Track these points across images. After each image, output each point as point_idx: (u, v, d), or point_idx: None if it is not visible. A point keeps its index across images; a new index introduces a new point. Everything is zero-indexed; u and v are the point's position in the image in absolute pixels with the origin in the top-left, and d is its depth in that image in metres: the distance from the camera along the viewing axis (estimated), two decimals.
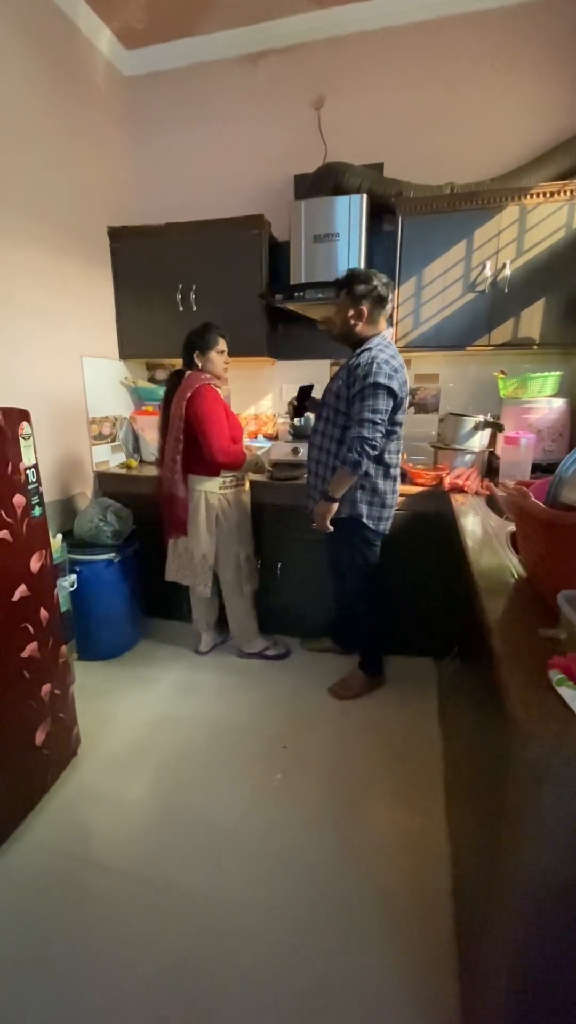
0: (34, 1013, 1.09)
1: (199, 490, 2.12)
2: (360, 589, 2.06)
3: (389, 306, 1.86)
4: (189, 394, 2.01)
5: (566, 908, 0.72)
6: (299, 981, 1.14)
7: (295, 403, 2.20)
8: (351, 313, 1.82)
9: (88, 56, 2.43)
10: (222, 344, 2.10)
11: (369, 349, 1.78)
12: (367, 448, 1.72)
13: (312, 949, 1.21)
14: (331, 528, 1.88)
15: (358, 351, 1.82)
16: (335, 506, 1.85)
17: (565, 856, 0.69)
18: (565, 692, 0.72)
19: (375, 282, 1.78)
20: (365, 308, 1.80)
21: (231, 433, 2.11)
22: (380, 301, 1.80)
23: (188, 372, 2.10)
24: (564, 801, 0.67)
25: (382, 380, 1.70)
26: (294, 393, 2.77)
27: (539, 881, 0.71)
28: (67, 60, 2.29)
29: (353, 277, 1.80)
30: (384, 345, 1.81)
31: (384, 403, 1.73)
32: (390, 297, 1.83)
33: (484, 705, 1.03)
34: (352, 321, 1.82)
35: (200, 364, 2.09)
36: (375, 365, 1.71)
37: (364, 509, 1.88)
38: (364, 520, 1.88)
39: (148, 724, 1.99)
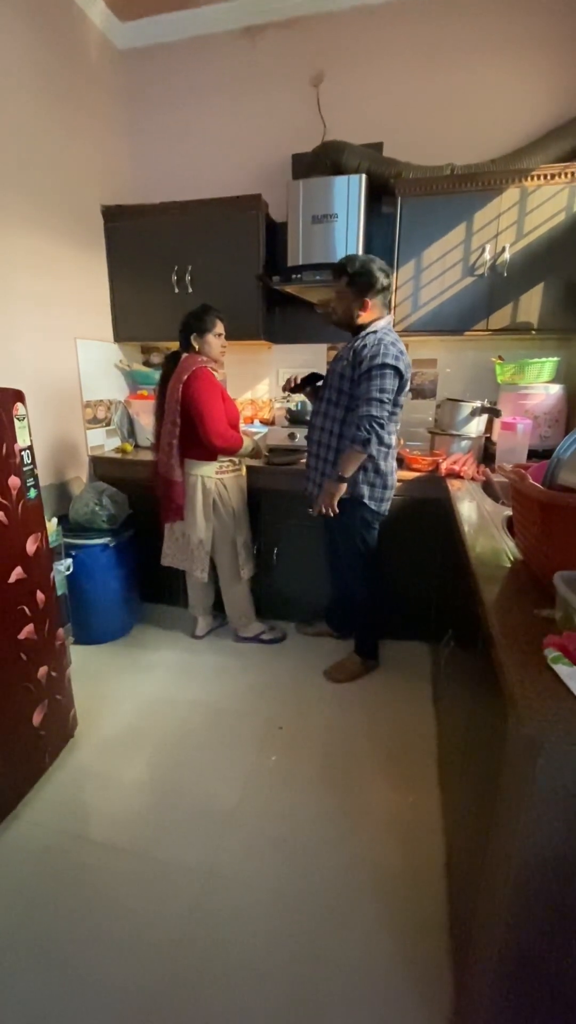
0: (33, 989, 1.11)
1: (196, 474, 2.11)
2: (358, 573, 2.07)
3: (390, 292, 1.86)
4: (185, 377, 1.98)
5: (558, 879, 0.73)
6: (294, 956, 1.17)
7: (297, 381, 2.15)
8: (355, 303, 1.83)
9: (81, 28, 2.36)
10: (220, 327, 2.07)
11: (375, 332, 1.80)
12: (375, 426, 1.74)
13: (307, 925, 1.23)
14: (337, 510, 1.87)
15: (363, 334, 1.82)
16: (344, 486, 1.84)
17: (558, 828, 0.71)
18: (561, 669, 0.73)
19: (377, 273, 1.78)
20: (368, 299, 1.81)
21: (228, 417, 2.09)
22: (382, 290, 1.82)
23: (185, 355, 2.07)
24: (558, 775, 0.68)
25: (390, 360, 1.72)
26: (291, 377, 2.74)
27: (532, 853, 0.73)
28: (59, 32, 2.22)
29: (353, 268, 1.79)
30: (388, 330, 1.83)
31: (391, 383, 1.75)
32: (390, 283, 1.83)
33: (480, 685, 1.05)
34: (355, 311, 1.84)
35: (197, 347, 2.06)
36: (382, 346, 1.73)
37: (366, 490, 1.89)
38: (366, 501, 1.89)
39: (144, 706, 2.00)
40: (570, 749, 0.67)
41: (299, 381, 2.14)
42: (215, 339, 2.07)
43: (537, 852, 0.73)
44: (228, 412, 2.10)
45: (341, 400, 1.86)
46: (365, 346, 1.76)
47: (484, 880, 0.86)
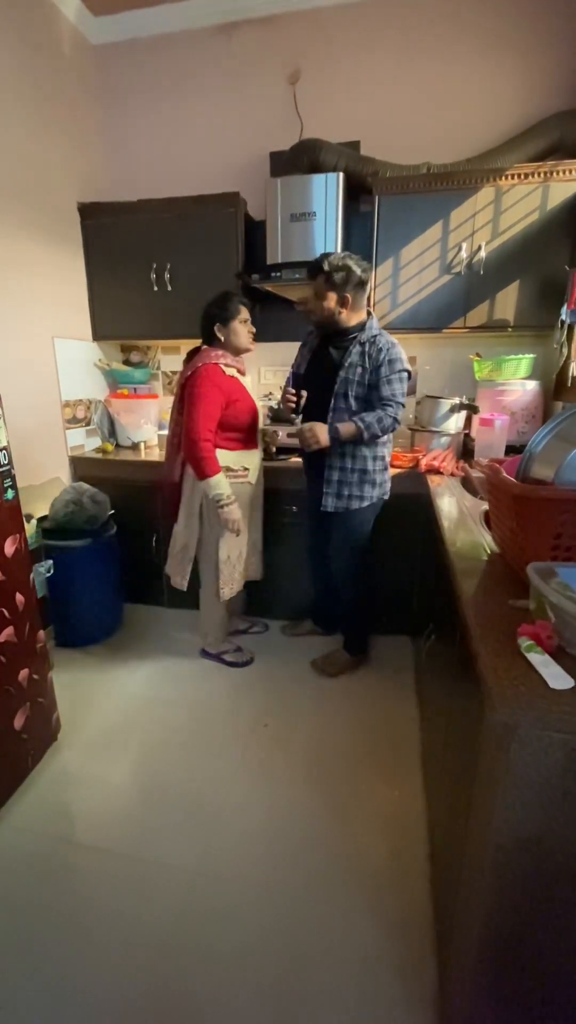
0: (22, 994, 1.10)
1: (190, 475, 1.99)
2: (352, 570, 2.07)
3: (368, 287, 1.85)
4: (190, 373, 1.89)
5: (533, 860, 0.75)
6: (283, 952, 1.18)
7: (292, 396, 1.95)
8: (335, 301, 1.79)
9: (53, 22, 2.33)
10: (245, 313, 1.93)
11: (380, 335, 1.83)
12: (392, 428, 1.83)
13: (295, 920, 1.24)
14: (324, 442, 1.79)
15: (366, 338, 1.82)
16: (330, 443, 1.80)
17: (532, 811, 0.73)
18: (533, 657, 0.75)
19: (355, 268, 1.75)
20: (349, 295, 1.78)
21: (238, 420, 1.94)
22: (361, 285, 1.79)
23: (203, 348, 1.96)
24: (531, 759, 0.70)
25: (406, 366, 1.81)
26: (273, 377, 2.75)
27: (508, 836, 0.75)
28: (30, 25, 2.18)
29: (330, 264, 1.75)
30: (385, 332, 1.87)
31: (406, 387, 1.84)
32: (369, 278, 1.82)
33: (458, 675, 1.07)
34: (337, 309, 1.81)
35: (222, 337, 1.92)
36: (397, 351, 1.80)
37: (374, 496, 1.95)
38: (364, 505, 1.94)
39: (129, 707, 1.99)
40: (542, 734, 0.69)
41: (295, 398, 1.94)
42: (241, 326, 1.93)
43: (513, 835, 0.75)
44: (237, 413, 1.93)
45: (358, 408, 1.85)
46: (380, 350, 1.79)
47: (464, 866, 0.88)
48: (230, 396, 1.90)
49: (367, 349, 1.81)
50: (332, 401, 1.87)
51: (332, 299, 1.79)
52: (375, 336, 1.83)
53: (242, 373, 2.02)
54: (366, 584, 2.11)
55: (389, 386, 1.79)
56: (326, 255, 1.80)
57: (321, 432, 1.79)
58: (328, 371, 1.88)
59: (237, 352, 1.98)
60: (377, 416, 1.78)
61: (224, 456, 1.92)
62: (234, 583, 2.09)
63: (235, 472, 1.97)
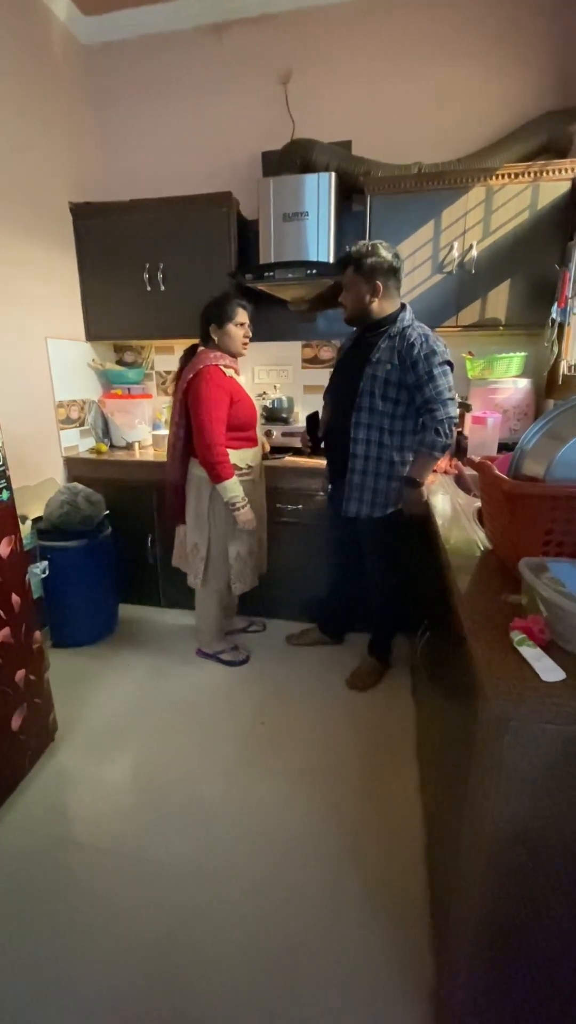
0: (23, 993, 1.11)
1: (197, 475, 2.00)
2: (383, 573, 2.01)
3: (401, 275, 1.75)
4: (191, 375, 1.90)
5: (527, 851, 0.77)
6: (281, 947, 1.19)
7: (308, 439, 2.06)
8: (365, 290, 1.70)
9: (43, 21, 2.32)
10: (242, 315, 1.93)
11: (411, 327, 1.70)
12: (454, 427, 1.69)
13: (292, 916, 1.25)
14: (422, 501, 1.75)
15: (396, 331, 1.71)
16: (423, 489, 1.76)
17: (526, 802, 0.74)
18: (525, 651, 0.76)
19: (384, 253, 1.67)
20: (380, 283, 1.69)
21: (241, 419, 1.95)
22: (394, 272, 1.70)
23: (200, 349, 1.97)
24: (524, 751, 0.71)
25: (448, 357, 1.67)
26: (267, 376, 2.75)
27: (502, 828, 0.76)
28: (20, 25, 2.18)
29: (358, 251, 1.68)
30: (420, 323, 1.74)
31: (451, 378, 1.69)
32: (401, 265, 1.73)
33: (452, 670, 1.08)
34: (368, 298, 1.71)
35: (216, 339, 1.94)
36: (433, 342, 1.66)
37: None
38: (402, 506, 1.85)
39: (126, 707, 1.99)
40: (535, 726, 0.70)
41: (309, 436, 2.03)
42: (236, 329, 1.92)
43: (507, 826, 0.76)
44: (240, 412, 1.95)
45: (387, 408, 1.73)
46: (412, 345, 1.65)
47: (459, 858, 0.89)
48: (233, 396, 1.92)
49: (396, 344, 1.69)
50: (357, 400, 1.77)
51: (363, 288, 1.71)
52: (405, 328, 1.70)
53: (237, 373, 2.02)
54: (397, 587, 2.05)
55: (431, 384, 1.65)
56: (353, 245, 1.73)
57: (414, 498, 1.74)
58: (357, 368, 1.78)
59: (230, 354, 1.99)
60: (431, 431, 1.66)
61: (231, 455, 1.94)
62: (246, 579, 2.11)
63: (240, 470, 1.99)
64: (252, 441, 2.05)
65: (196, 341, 2.03)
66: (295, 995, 1.10)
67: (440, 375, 1.65)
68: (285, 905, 1.28)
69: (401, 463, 1.81)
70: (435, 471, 2.08)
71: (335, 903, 1.28)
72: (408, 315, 1.76)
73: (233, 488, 1.90)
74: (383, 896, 1.29)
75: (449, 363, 1.68)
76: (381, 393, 1.73)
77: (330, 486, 2.07)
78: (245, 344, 1.99)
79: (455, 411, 1.68)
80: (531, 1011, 0.88)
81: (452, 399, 1.67)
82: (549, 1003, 0.86)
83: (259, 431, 2.12)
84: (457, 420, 1.70)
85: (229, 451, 1.92)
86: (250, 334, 2.00)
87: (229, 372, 1.94)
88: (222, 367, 1.91)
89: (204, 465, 1.92)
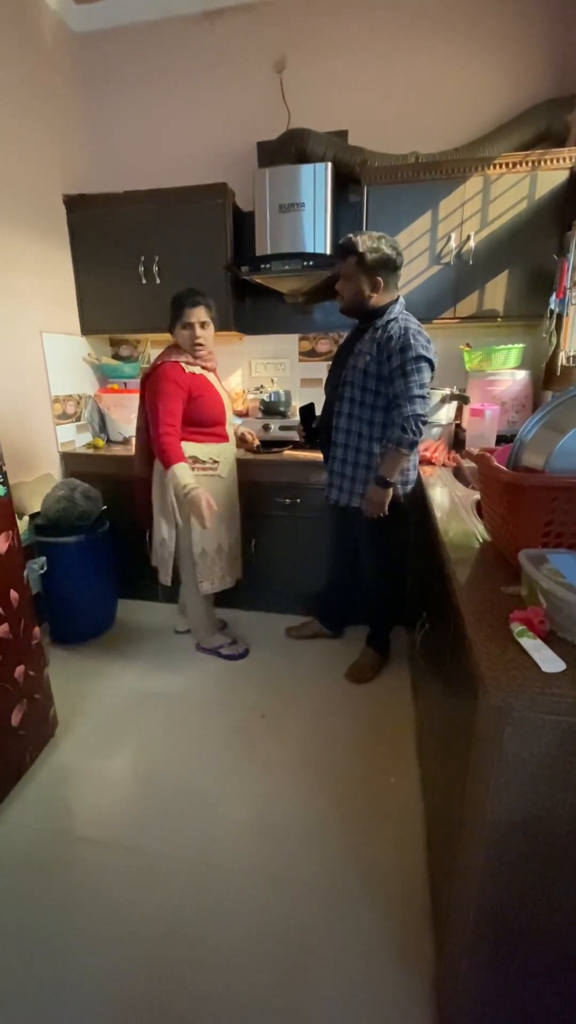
0: (26, 987, 1.11)
1: (160, 470, 1.97)
2: (376, 563, 2.02)
3: (401, 270, 1.74)
4: (149, 371, 1.92)
5: (527, 840, 0.77)
6: (283, 939, 1.19)
7: (303, 429, 2.05)
8: (365, 284, 1.69)
9: (34, 10, 2.29)
10: (187, 316, 1.87)
11: (395, 319, 1.69)
12: (421, 425, 1.64)
13: (293, 908, 1.26)
14: (387, 512, 1.78)
15: (381, 323, 1.71)
16: (391, 490, 1.75)
17: (525, 792, 0.74)
18: (525, 642, 0.76)
19: (386, 248, 1.65)
20: (380, 279, 1.68)
21: (203, 415, 1.94)
22: (393, 266, 1.69)
23: (167, 347, 1.98)
24: (524, 741, 0.71)
25: (423, 352, 1.63)
26: (264, 369, 2.74)
27: (502, 817, 0.76)
28: (10, 12, 2.14)
29: (364, 244, 1.65)
30: (408, 315, 1.72)
31: (427, 376, 1.65)
32: (402, 260, 1.72)
33: (451, 663, 1.08)
34: (367, 292, 1.70)
35: (175, 339, 1.95)
36: (411, 336, 1.63)
37: (400, 490, 1.83)
38: (400, 501, 1.85)
39: (125, 702, 2.00)
40: (535, 716, 0.70)
41: (303, 428, 2.03)
42: (182, 331, 1.90)
43: (507, 816, 0.76)
44: (201, 408, 1.93)
45: (366, 399, 1.74)
46: (391, 338, 1.65)
47: (460, 848, 0.90)
48: (191, 391, 1.90)
49: (379, 336, 1.68)
50: (341, 390, 1.76)
51: (363, 282, 1.69)
52: (390, 321, 1.69)
53: (208, 370, 2.00)
54: (395, 577, 2.05)
55: (402, 379, 1.63)
56: (356, 234, 1.69)
57: (376, 497, 1.74)
58: (345, 359, 1.78)
59: (192, 353, 1.94)
60: (396, 427, 1.65)
61: (191, 448, 1.93)
62: (215, 578, 2.10)
63: (204, 464, 1.99)
64: (220, 437, 2.03)
65: None
66: (296, 986, 1.10)
67: (412, 371, 1.62)
68: (286, 897, 1.28)
69: (380, 455, 1.79)
70: (433, 463, 2.08)
71: (336, 895, 1.29)
72: (398, 308, 1.74)
73: (181, 474, 1.83)
74: (384, 888, 1.30)
75: (428, 360, 1.64)
76: (361, 384, 1.73)
77: (326, 476, 2.07)
78: (198, 345, 1.91)
79: (423, 409, 1.64)
80: (533, 1000, 0.89)
81: (422, 396, 1.64)
82: (550, 991, 0.87)
83: (229, 429, 2.10)
84: (427, 418, 1.67)
85: (189, 443, 1.92)
86: (202, 334, 1.90)
87: (192, 369, 1.93)
88: (183, 364, 1.90)
89: (156, 453, 1.89)
